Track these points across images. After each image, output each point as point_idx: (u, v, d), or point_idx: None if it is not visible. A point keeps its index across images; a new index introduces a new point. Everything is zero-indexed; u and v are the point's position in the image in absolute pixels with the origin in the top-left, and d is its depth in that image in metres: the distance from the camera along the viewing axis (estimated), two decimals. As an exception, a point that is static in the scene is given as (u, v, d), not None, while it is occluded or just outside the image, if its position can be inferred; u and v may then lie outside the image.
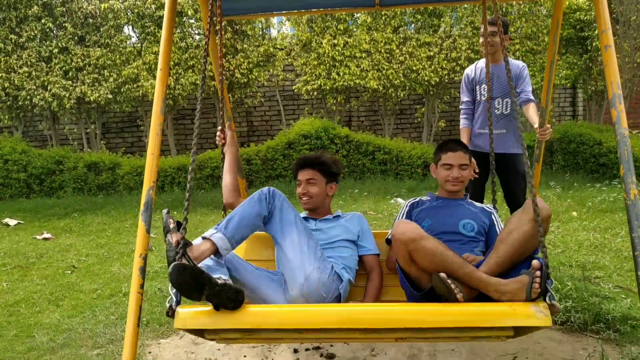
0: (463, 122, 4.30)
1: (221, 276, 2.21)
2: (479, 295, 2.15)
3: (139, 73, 9.24)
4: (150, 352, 3.33)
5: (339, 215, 2.93)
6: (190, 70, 9.37)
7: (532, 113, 3.98)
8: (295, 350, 3.23)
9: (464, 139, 4.22)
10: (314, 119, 9.48)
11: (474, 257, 2.50)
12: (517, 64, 4.13)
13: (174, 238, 2.16)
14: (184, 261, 2.08)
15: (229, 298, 2.02)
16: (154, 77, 9.16)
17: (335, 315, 2.12)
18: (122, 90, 9.36)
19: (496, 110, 4.15)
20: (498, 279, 2.10)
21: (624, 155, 2.23)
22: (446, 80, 10.02)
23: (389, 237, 2.79)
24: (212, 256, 2.29)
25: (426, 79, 9.75)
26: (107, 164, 8.89)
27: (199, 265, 2.17)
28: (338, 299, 2.55)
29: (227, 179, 3.04)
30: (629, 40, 9.23)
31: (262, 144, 9.39)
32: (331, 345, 3.26)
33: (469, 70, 4.30)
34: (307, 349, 3.23)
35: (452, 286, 2.04)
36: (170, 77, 9.25)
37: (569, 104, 11.80)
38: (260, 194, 2.44)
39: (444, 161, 2.92)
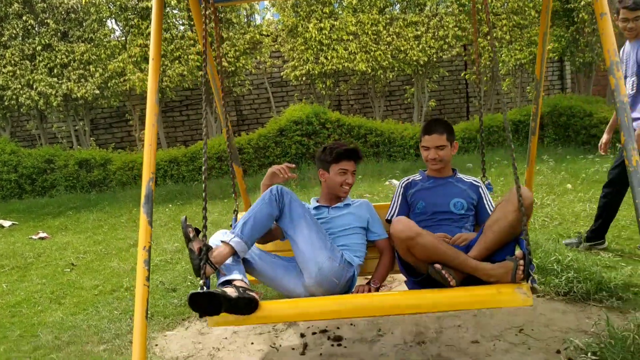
0: None
1: (236, 277, 2.48)
2: (470, 276, 2.37)
3: (124, 67, 9.13)
4: (157, 345, 3.32)
5: (349, 204, 3.07)
6: (177, 62, 9.26)
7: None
8: (302, 335, 3.24)
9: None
10: (304, 104, 9.43)
11: (466, 237, 2.70)
12: None
13: (195, 246, 2.43)
14: (208, 267, 2.39)
15: (245, 307, 2.28)
16: (141, 70, 9.05)
17: (340, 305, 2.40)
18: (108, 85, 9.25)
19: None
20: (486, 265, 2.34)
21: (624, 122, 2.22)
22: (434, 60, 9.98)
23: (388, 218, 3.07)
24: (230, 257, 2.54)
25: (414, 58, 9.70)
26: (98, 161, 8.81)
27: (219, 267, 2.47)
28: (350, 281, 2.74)
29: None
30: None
31: (253, 132, 9.34)
32: (337, 328, 3.27)
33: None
34: (314, 333, 3.24)
35: (446, 275, 2.29)
36: (157, 69, 9.13)
37: (557, 77, 11.82)
38: (270, 196, 2.63)
39: (422, 143, 3.04)
